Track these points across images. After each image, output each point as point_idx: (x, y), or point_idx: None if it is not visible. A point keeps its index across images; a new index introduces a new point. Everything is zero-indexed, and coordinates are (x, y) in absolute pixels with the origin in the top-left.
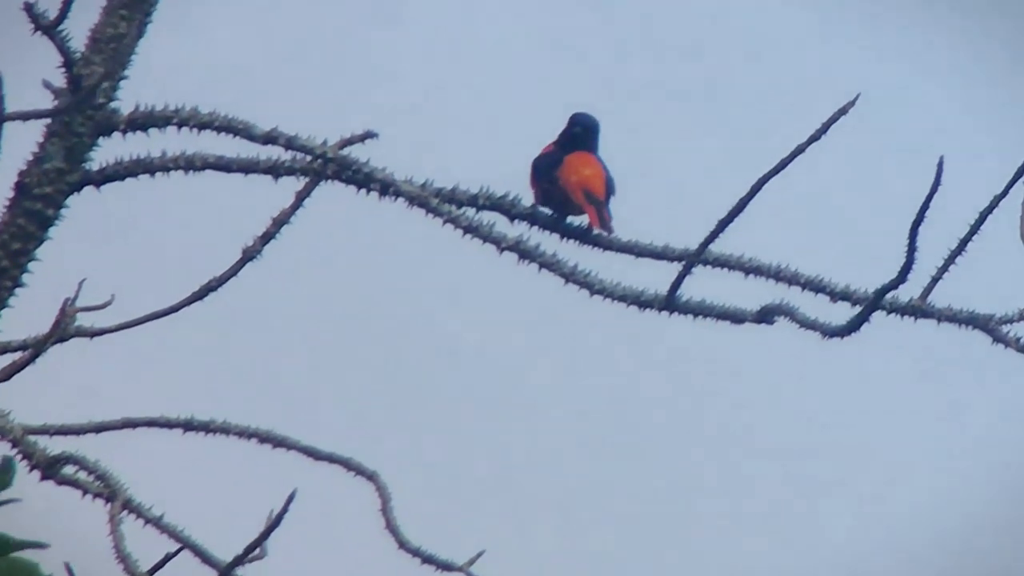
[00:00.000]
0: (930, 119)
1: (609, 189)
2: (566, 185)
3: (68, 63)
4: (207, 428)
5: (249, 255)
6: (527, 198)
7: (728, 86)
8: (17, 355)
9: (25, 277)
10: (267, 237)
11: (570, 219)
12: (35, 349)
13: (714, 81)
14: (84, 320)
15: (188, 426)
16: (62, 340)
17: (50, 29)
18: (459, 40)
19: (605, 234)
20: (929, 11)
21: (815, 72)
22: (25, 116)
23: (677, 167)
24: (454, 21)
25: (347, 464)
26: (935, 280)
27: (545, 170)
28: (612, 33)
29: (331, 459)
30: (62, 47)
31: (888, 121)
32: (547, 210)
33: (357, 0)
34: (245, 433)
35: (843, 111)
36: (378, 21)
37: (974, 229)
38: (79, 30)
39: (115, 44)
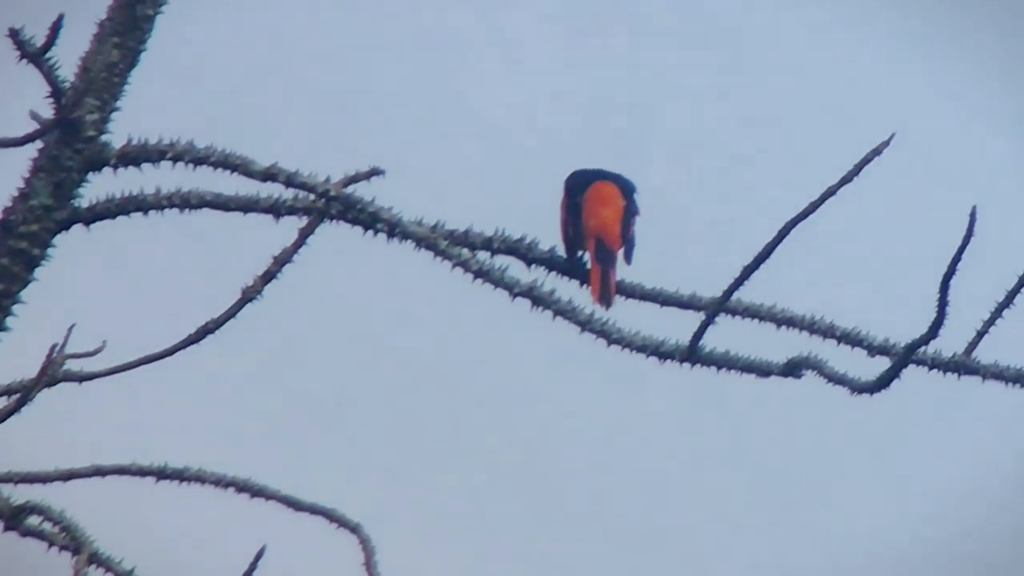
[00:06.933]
0: (970, 159)
1: (626, 230)
2: (585, 225)
3: (56, 92)
4: (181, 476)
5: (249, 295)
6: (544, 241)
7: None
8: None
9: (9, 321)
10: (268, 277)
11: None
12: (22, 396)
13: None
14: (74, 365)
15: (161, 474)
16: (49, 385)
17: (37, 57)
18: (479, 81)
19: (602, 307)
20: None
21: (854, 111)
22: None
23: (700, 207)
24: (476, 59)
25: (329, 515)
26: (980, 334)
27: (574, 191)
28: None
29: (312, 510)
30: (49, 76)
31: (926, 160)
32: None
33: (368, 30)
34: (221, 482)
35: (877, 151)
36: (390, 51)
37: (1022, 280)
38: (69, 58)
39: (107, 73)
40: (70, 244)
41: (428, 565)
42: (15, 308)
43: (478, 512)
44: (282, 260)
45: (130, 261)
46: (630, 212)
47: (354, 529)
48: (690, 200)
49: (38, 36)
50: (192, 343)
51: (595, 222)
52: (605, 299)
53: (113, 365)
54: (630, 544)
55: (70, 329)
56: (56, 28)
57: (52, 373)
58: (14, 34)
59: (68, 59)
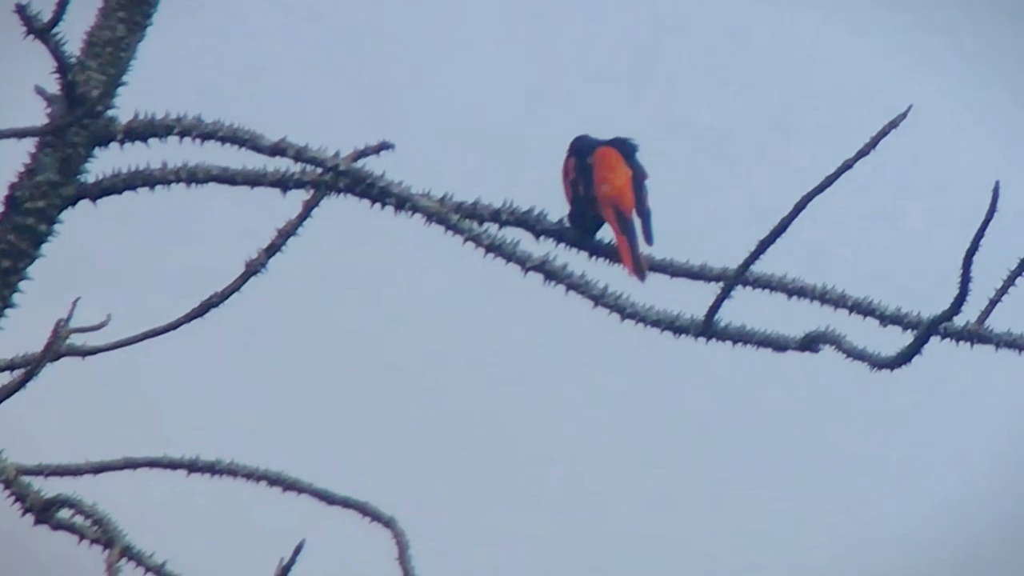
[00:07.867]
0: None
1: (640, 197)
2: (597, 194)
3: (63, 68)
4: (212, 469)
5: (253, 269)
6: (553, 212)
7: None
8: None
9: (16, 297)
10: (272, 249)
11: (600, 236)
12: (28, 371)
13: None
14: (78, 341)
15: (192, 467)
16: (54, 360)
17: (44, 32)
18: (479, 51)
19: (638, 280)
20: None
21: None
22: (17, 134)
23: (715, 189)
24: (475, 35)
25: (362, 509)
26: (993, 303)
27: (582, 153)
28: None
29: (345, 504)
30: (56, 51)
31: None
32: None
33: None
34: (254, 475)
35: (893, 124)
36: (394, 28)
37: None
38: (75, 33)
39: (112, 48)
40: (76, 219)
41: (429, 555)
42: (22, 284)
43: (489, 497)
44: (286, 232)
45: (135, 234)
46: (640, 177)
47: (388, 523)
48: (693, 184)
49: (44, 12)
50: (196, 317)
51: (609, 189)
52: (639, 271)
53: (117, 339)
54: (645, 525)
55: (74, 303)
56: (63, 3)
57: (56, 348)
58: (21, 10)
59: (74, 35)
